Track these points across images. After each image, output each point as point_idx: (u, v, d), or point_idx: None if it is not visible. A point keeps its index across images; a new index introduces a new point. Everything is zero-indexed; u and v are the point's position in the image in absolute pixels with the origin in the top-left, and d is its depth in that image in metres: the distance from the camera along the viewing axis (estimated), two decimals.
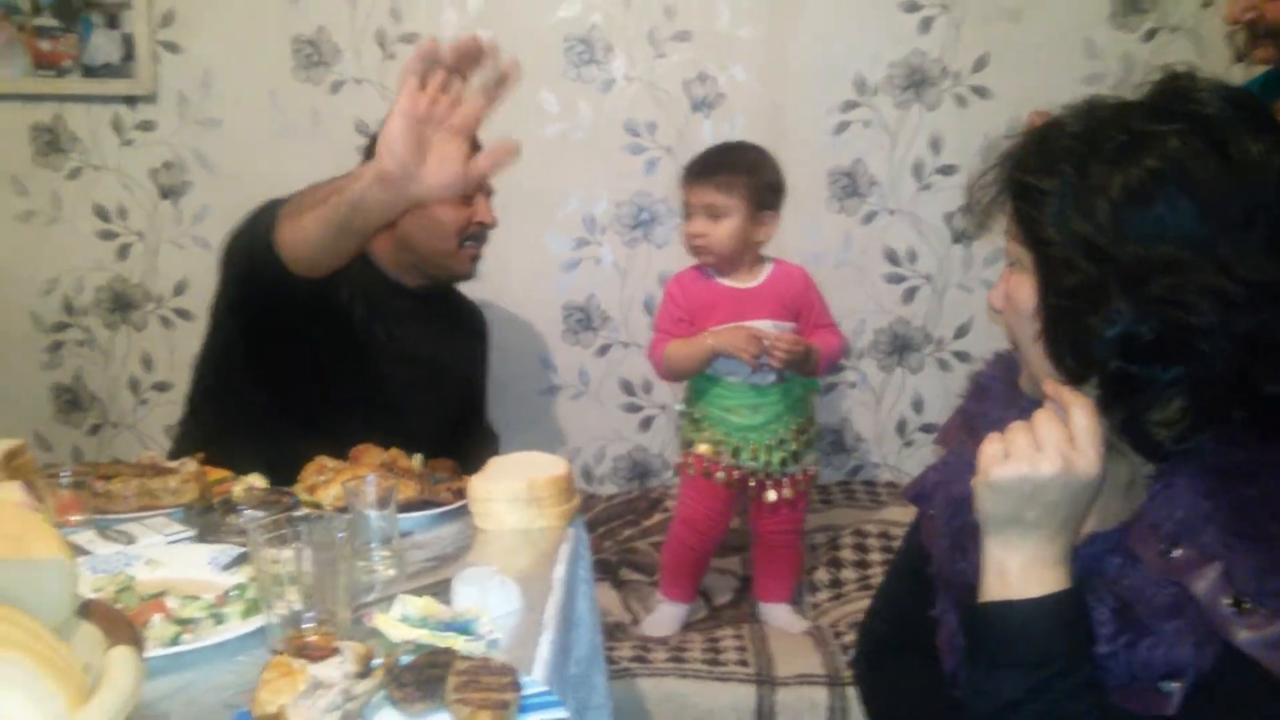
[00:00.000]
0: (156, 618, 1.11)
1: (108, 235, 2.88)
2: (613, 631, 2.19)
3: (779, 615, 2.29)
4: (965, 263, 2.84)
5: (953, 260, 2.84)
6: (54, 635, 0.84)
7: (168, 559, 1.30)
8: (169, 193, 2.84)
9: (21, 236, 2.86)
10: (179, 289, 2.89)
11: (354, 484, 1.33)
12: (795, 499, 2.26)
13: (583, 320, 2.89)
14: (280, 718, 0.91)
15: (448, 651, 1.04)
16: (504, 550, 1.40)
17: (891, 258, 2.85)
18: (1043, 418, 0.94)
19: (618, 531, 2.65)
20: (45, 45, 2.74)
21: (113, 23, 2.75)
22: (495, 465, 1.53)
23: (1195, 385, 0.91)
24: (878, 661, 1.26)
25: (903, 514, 2.33)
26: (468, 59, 1.40)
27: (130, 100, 2.80)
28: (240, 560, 1.27)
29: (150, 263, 2.86)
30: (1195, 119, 0.91)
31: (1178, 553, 0.90)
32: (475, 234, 2.05)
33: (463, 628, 1.12)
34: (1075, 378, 0.96)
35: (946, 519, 1.11)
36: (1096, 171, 0.92)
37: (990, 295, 1.08)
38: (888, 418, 2.95)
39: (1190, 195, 0.89)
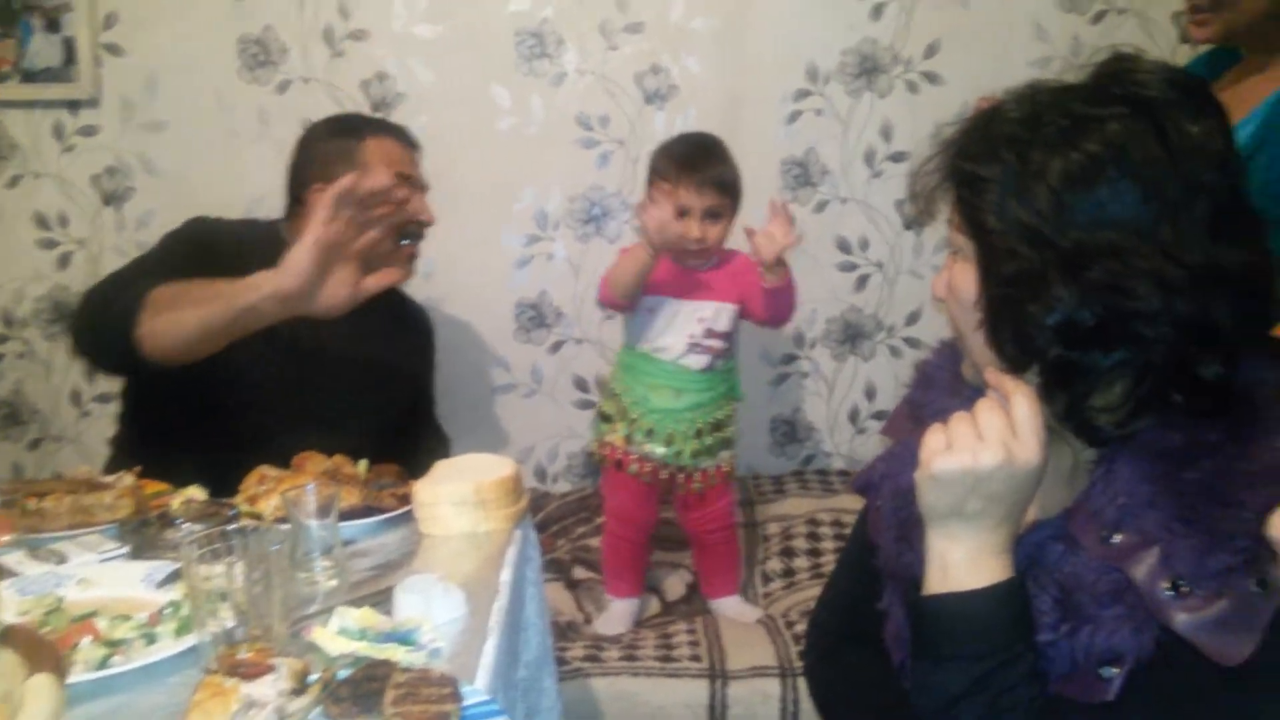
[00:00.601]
0: (86, 640, 1.09)
1: (48, 244, 2.82)
2: (565, 631, 2.19)
3: (730, 607, 2.30)
4: (916, 250, 2.85)
5: (904, 247, 2.85)
6: None
7: (101, 577, 1.27)
8: (111, 199, 2.79)
9: None
10: None
11: (294, 493, 1.30)
12: (715, 496, 2.27)
13: (535, 317, 2.87)
14: None
15: (386, 664, 1.02)
16: (450, 555, 1.38)
17: (843, 246, 2.85)
18: (984, 408, 0.94)
19: (571, 529, 2.64)
20: None
21: (53, 26, 2.69)
22: (441, 468, 1.51)
23: (1136, 370, 0.91)
24: (827, 654, 1.26)
25: (855, 503, 2.32)
26: (377, 197, 1.56)
27: (72, 105, 2.74)
28: (175, 576, 1.24)
29: (92, 271, 2.79)
30: (1135, 102, 0.91)
31: (1118, 538, 0.90)
32: (413, 232, 2.02)
33: (403, 638, 1.10)
34: (1017, 365, 0.96)
35: (893, 510, 1.11)
36: (1037, 157, 0.91)
37: (934, 283, 1.07)
38: (840, 406, 2.95)
39: (1131, 178, 0.88)
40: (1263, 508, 0.82)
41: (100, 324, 1.71)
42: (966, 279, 0.98)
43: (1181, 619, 0.84)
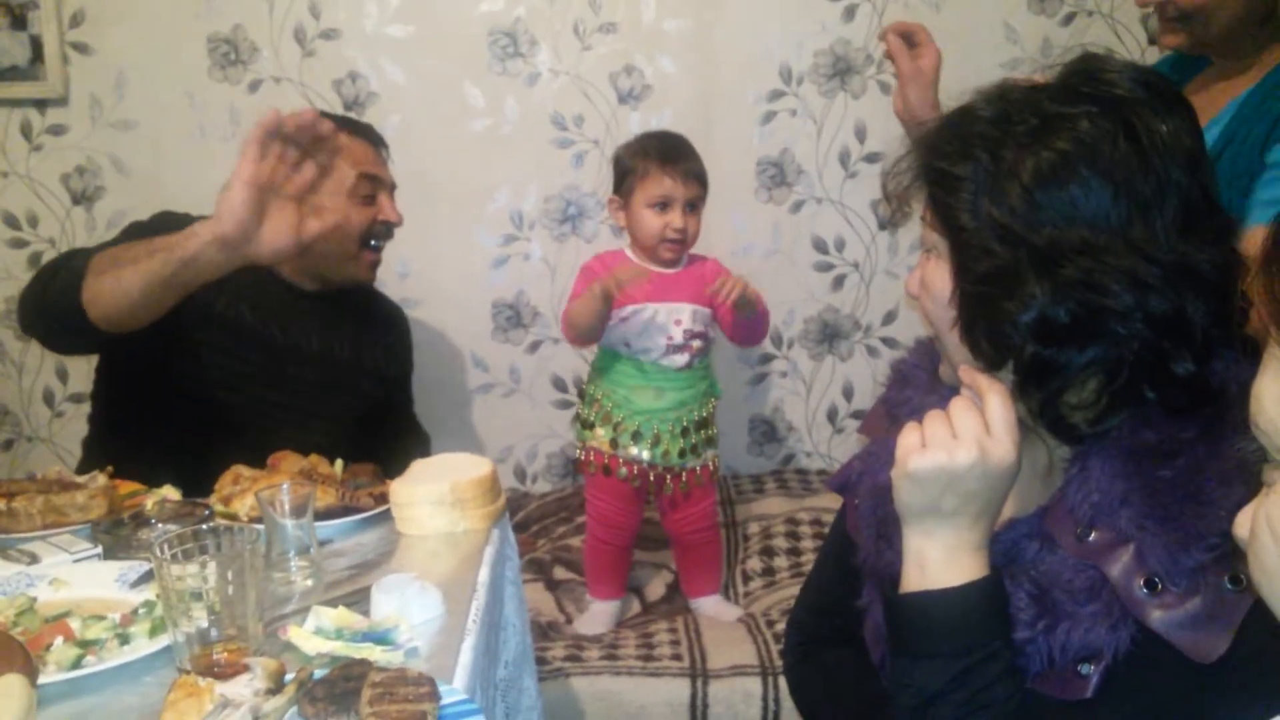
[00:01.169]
0: (58, 640, 1.08)
1: (18, 244, 2.79)
2: (546, 631, 2.18)
3: (710, 606, 2.30)
4: (891, 249, 2.86)
5: (879, 248, 2.86)
6: None
7: (73, 578, 1.25)
8: (81, 198, 2.76)
9: None
10: None
11: (268, 493, 1.29)
12: (700, 495, 2.27)
13: (512, 317, 2.86)
14: None
15: (363, 663, 1.01)
16: (427, 555, 1.38)
17: (819, 246, 2.86)
18: (959, 406, 0.94)
19: (551, 530, 2.63)
20: None
21: (19, 24, 2.66)
22: (418, 468, 1.50)
23: (1109, 367, 0.91)
24: (807, 653, 1.26)
25: (834, 501, 2.33)
26: (306, 132, 1.50)
27: (40, 104, 2.71)
28: (149, 577, 1.23)
29: None
30: (1105, 100, 0.91)
31: (1093, 536, 0.90)
32: (380, 232, 2.01)
33: (380, 637, 1.09)
34: (991, 363, 0.96)
35: (871, 509, 1.11)
36: (1009, 156, 0.92)
37: (907, 282, 1.07)
38: (818, 406, 2.96)
39: (1102, 176, 0.89)
40: (1235, 505, 0.83)
41: (47, 291, 1.67)
42: (940, 276, 0.98)
43: (1157, 616, 0.85)
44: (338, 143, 1.56)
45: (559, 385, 2.90)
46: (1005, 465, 0.92)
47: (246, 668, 0.98)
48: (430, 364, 2.58)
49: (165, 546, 1.06)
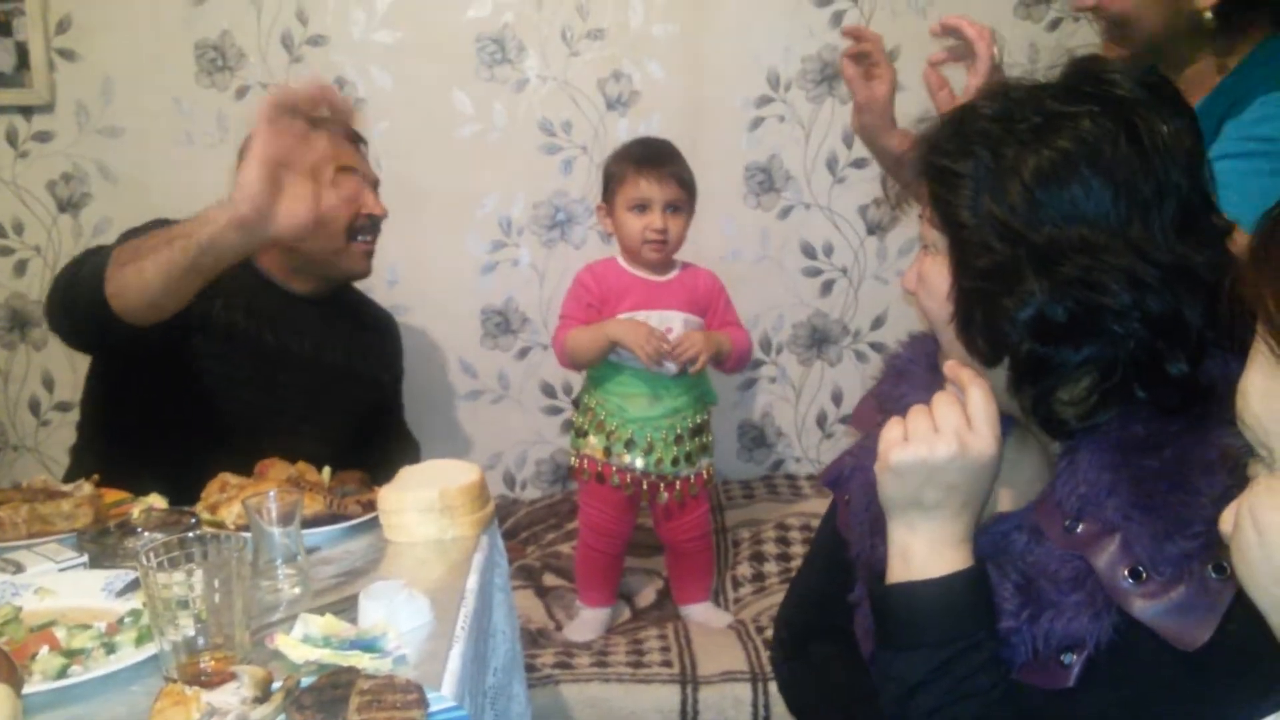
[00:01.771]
0: (44, 650, 1.07)
1: (4, 251, 2.77)
2: (536, 638, 2.17)
3: (700, 613, 2.30)
4: (880, 254, 2.87)
5: (868, 253, 2.87)
6: None
7: (59, 587, 1.25)
8: (68, 205, 2.75)
9: None
10: None
11: (255, 500, 1.29)
12: (694, 504, 2.27)
13: (501, 323, 2.86)
14: None
15: (351, 671, 1.01)
16: (415, 562, 1.37)
17: (808, 251, 2.86)
18: (941, 400, 0.96)
19: (541, 536, 2.63)
20: None
21: (4, 30, 2.64)
22: (406, 475, 1.50)
23: (1104, 366, 0.92)
24: (795, 649, 1.26)
25: (824, 506, 2.34)
26: (315, 103, 1.48)
27: (25, 110, 2.70)
28: (135, 585, 1.22)
29: (49, 278, 2.75)
30: (1107, 100, 0.92)
31: (1081, 527, 0.91)
32: (365, 226, 2.00)
33: (368, 645, 1.09)
34: (988, 359, 0.97)
35: (864, 504, 1.11)
36: (1010, 154, 0.92)
37: (904, 277, 1.08)
38: (808, 411, 2.97)
39: (1103, 176, 0.89)
40: (1220, 495, 0.83)
41: (73, 285, 1.66)
42: (938, 272, 0.99)
43: (1141, 605, 0.85)
44: (349, 107, 1.55)
45: (548, 391, 2.90)
46: (985, 458, 0.93)
47: (234, 676, 0.97)
48: (419, 370, 2.58)
49: (151, 555, 1.06)
